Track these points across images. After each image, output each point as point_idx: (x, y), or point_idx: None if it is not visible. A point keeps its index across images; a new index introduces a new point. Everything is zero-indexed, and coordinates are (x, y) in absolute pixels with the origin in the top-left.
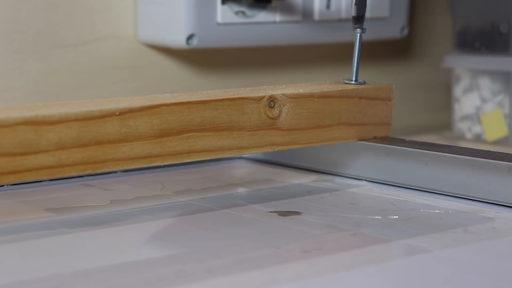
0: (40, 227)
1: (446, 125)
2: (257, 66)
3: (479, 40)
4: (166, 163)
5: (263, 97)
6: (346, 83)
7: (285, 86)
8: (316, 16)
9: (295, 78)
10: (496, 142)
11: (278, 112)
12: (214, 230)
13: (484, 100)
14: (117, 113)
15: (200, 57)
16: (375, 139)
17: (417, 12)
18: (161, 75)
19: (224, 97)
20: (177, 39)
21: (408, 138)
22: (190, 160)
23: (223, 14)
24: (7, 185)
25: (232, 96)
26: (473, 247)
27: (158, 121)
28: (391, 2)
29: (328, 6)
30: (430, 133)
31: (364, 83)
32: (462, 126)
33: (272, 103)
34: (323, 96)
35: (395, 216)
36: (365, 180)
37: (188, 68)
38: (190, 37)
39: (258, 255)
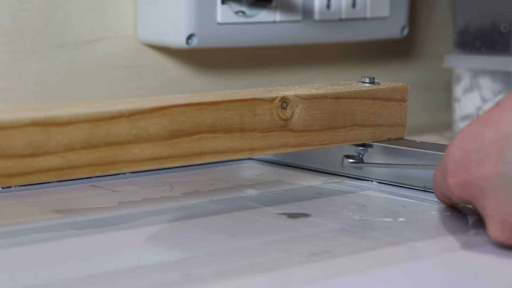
0: (47, 229)
1: (447, 125)
2: (257, 66)
3: (479, 40)
4: (176, 165)
5: (276, 98)
6: (359, 83)
7: (297, 86)
8: (316, 16)
9: (295, 78)
10: None
11: (290, 113)
12: (222, 232)
13: (484, 100)
14: (126, 115)
15: (200, 57)
16: (389, 140)
17: (417, 12)
18: (161, 75)
19: (236, 98)
20: (177, 39)
21: (408, 138)
22: (201, 162)
23: (223, 14)
24: (14, 186)
25: (244, 97)
26: (485, 250)
27: (169, 122)
28: (391, 2)
29: (328, 6)
30: (430, 133)
31: (378, 83)
32: (462, 126)
33: (285, 104)
34: (337, 97)
35: (405, 219)
36: (375, 181)
37: (188, 68)
38: (190, 37)
39: (266, 258)
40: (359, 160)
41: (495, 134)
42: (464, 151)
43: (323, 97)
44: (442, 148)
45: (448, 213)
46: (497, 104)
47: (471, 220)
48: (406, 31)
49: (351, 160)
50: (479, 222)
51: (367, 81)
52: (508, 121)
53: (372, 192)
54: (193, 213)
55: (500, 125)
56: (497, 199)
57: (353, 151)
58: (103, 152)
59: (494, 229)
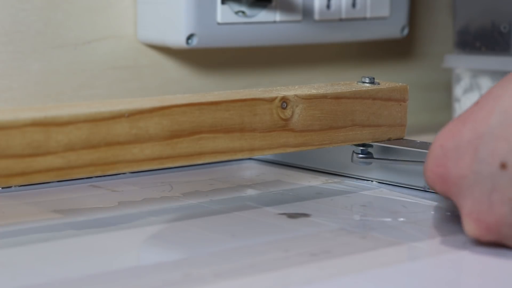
0: (47, 229)
1: None
2: (257, 66)
3: (479, 40)
4: (176, 165)
5: (276, 98)
6: (359, 83)
7: (297, 86)
8: (316, 16)
9: (295, 78)
10: None
11: (290, 113)
12: (222, 232)
13: None
14: (126, 115)
15: (200, 57)
16: (389, 140)
17: (417, 12)
18: (161, 75)
19: (236, 98)
20: (177, 39)
21: (408, 138)
22: (201, 162)
23: (223, 13)
24: (14, 186)
25: (244, 97)
26: (484, 250)
27: (169, 122)
28: (391, 2)
29: (328, 6)
30: (430, 133)
31: (378, 83)
32: None
33: (285, 104)
34: (337, 97)
35: (405, 219)
36: (375, 181)
37: (188, 68)
38: (190, 37)
39: (266, 258)
40: (369, 155)
41: (471, 133)
42: (443, 149)
43: (323, 97)
44: None
45: (448, 213)
46: (477, 103)
47: None
48: (406, 31)
49: (361, 155)
50: None
51: (367, 81)
52: (483, 120)
53: (372, 192)
54: (193, 213)
55: (477, 124)
56: (472, 197)
57: (354, 151)
58: (103, 152)
59: (470, 226)
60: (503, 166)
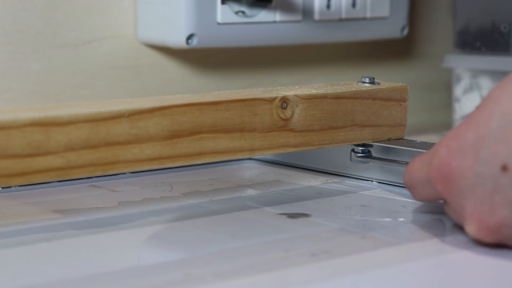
0: (47, 229)
1: (446, 125)
2: (257, 66)
3: (479, 39)
4: (176, 165)
5: (276, 98)
6: (360, 83)
7: (297, 86)
8: (316, 16)
9: (295, 78)
10: None
11: (290, 113)
12: (222, 232)
13: None
14: (126, 115)
15: (200, 57)
16: (389, 140)
17: (417, 12)
18: (161, 75)
19: (236, 98)
20: (177, 39)
21: (408, 138)
22: (201, 162)
23: (223, 13)
24: (14, 186)
25: (244, 97)
26: (485, 250)
27: (169, 122)
28: (391, 2)
29: (328, 6)
30: (430, 133)
31: (378, 83)
32: None
33: (285, 104)
34: (337, 97)
35: (405, 219)
36: (375, 181)
37: (188, 68)
38: (190, 37)
39: (266, 259)
40: (367, 154)
41: (474, 135)
42: (448, 149)
43: (323, 97)
44: None
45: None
46: (479, 105)
47: None
48: (406, 31)
49: (360, 154)
50: None
51: (367, 81)
52: (484, 122)
53: (372, 192)
54: (193, 213)
55: (478, 126)
56: (474, 198)
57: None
58: (103, 152)
59: (472, 227)
60: (504, 168)
